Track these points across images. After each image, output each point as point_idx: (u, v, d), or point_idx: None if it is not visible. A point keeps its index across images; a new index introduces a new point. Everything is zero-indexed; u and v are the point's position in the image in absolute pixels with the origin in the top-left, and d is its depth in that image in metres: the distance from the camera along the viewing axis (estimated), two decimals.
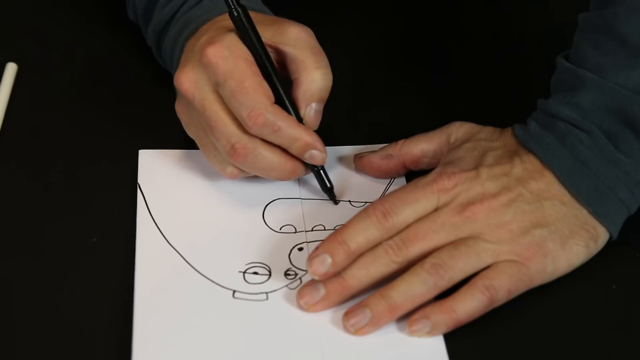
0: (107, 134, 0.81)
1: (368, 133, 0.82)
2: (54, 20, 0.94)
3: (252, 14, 0.73)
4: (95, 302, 0.69)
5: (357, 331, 0.66)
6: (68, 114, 0.84)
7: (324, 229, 0.73)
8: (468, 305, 0.66)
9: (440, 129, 0.76)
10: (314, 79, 0.72)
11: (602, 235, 0.70)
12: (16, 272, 0.71)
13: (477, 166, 0.70)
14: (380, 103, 0.86)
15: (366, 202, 0.75)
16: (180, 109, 0.74)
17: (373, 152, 0.77)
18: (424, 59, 0.90)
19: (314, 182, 0.76)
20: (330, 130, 0.82)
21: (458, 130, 0.75)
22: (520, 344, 0.67)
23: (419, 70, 0.89)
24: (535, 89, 0.76)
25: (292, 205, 0.75)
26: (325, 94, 0.73)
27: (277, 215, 0.74)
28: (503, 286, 0.66)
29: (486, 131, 0.74)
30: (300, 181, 0.77)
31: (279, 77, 0.72)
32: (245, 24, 0.71)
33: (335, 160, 0.79)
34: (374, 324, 0.66)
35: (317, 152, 0.72)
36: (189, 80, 0.71)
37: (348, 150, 0.80)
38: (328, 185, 0.74)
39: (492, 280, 0.66)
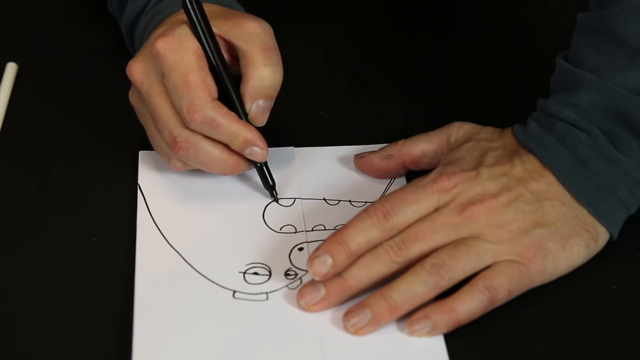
0: (107, 134, 0.81)
1: (368, 133, 0.81)
2: (53, 20, 0.94)
3: (213, 7, 0.73)
4: (95, 302, 0.69)
5: (357, 331, 0.66)
6: (68, 114, 0.84)
7: (324, 229, 0.73)
8: (468, 306, 0.66)
9: (441, 129, 0.76)
10: (261, 75, 0.71)
11: (602, 235, 0.70)
12: (16, 272, 0.71)
13: (477, 166, 0.70)
14: (379, 103, 0.86)
15: (366, 202, 0.75)
16: (132, 97, 0.75)
17: (373, 152, 0.77)
18: (424, 59, 0.90)
19: (314, 182, 0.76)
20: (330, 130, 0.82)
21: (458, 130, 0.75)
22: (520, 344, 0.67)
23: (419, 70, 0.89)
24: (535, 89, 0.76)
25: (292, 205, 0.75)
26: (273, 92, 0.72)
27: (277, 215, 0.74)
28: (503, 286, 0.66)
29: (486, 131, 0.74)
30: (300, 181, 0.77)
31: (228, 71, 0.72)
32: (197, 15, 0.71)
33: (335, 160, 0.79)
34: (374, 324, 0.66)
35: (258, 149, 0.71)
36: (138, 70, 0.72)
37: (348, 150, 0.80)
38: (270, 182, 0.74)
39: (493, 280, 0.66)
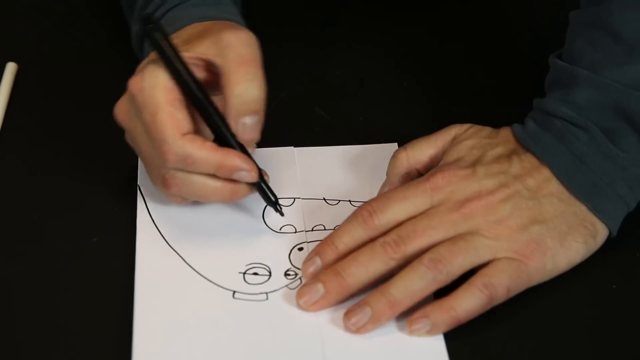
0: (107, 134, 0.80)
1: (368, 133, 0.82)
2: (54, 20, 0.94)
3: (197, 26, 0.71)
4: (95, 302, 0.69)
5: (358, 330, 0.66)
6: (68, 113, 0.84)
7: (324, 229, 0.73)
8: (467, 304, 0.66)
9: (442, 132, 0.75)
10: (238, 92, 0.68)
11: (601, 232, 0.70)
12: (16, 272, 0.71)
13: (474, 164, 0.70)
14: (380, 103, 0.86)
15: None
16: (126, 138, 0.73)
17: (389, 181, 0.75)
18: (423, 59, 0.90)
19: (314, 182, 0.76)
20: (330, 130, 0.82)
21: (460, 129, 0.74)
22: (520, 344, 0.67)
23: (419, 69, 0.89)
24: (535, 89, 0.76)
25: (292, 205, 0.75)
26: (256, 107, 0.68)
27: (277, 215, 0.74)
28: (502, 284, 0.66)
29: (486, 130, 0.74)
30: (300, 181, 0.77)
31: (206, 96, 0.68)
32: (161, 45, 0.68)
33: (335, 160, 0.79)
34: (375, 322, 0.66)
35: (245, 173, 0.68)
36: (122, 112, 0.71)
37: (348, 150, 0.80)
38: (272, 198, 0.71)
39: (491, 278, 0.66)
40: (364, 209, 0.69)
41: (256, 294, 0.69)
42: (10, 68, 0.87)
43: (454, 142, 0.74)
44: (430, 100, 0.86)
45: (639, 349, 0.67)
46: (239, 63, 0.68)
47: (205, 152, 0.68)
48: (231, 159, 0.68)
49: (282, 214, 0.73)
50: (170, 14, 0.76)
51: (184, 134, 0.67)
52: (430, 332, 0.66)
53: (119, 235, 0.73)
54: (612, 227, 0.70)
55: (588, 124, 0.70)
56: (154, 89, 0.68)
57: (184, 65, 0.68)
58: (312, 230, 0.74)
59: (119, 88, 0.77)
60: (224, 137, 0.69)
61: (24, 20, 0.94)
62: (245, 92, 0.68)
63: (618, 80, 0.69)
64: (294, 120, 0.83)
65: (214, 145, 0.68)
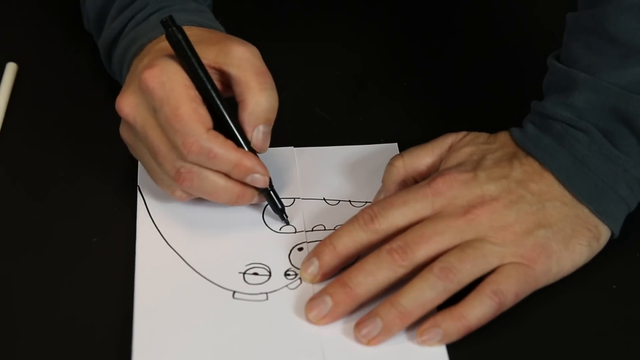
0: (107, 134, 0.81)
1: (368, 133, 0.82)
2: (54, 20, 0.94)
3: (197, 30, 0.73)
4: (95, 302, 0.69)
5: (369, 341, 0.65)
6: (68, 114, 0.84)
7: (324, 229, 0.73)
8: (478, 311, 0.65)
9: (438, 140, 0.74)
10: (258, 101, 0.70)
11: (604, 234, 0.70)
12: (16, 272, 0.71)
13: (474, 169, 0.70)
14: (379, 103, 0.86)
15: (366, 202, 0.75)
16: (124, 133, 0.74)
17: (385, 188, 0.75)
18: (423, 59, 0.90)
19: (314, 182, 0.76)
20: (330, 130, 0.82)
21: (456, 137, 0.74)
22: (520, 345, 0.67)
23: (419, 70, 0.89)
24: (537, 89, 0.76)
25: (292, 205, 0.75)
26: (272, 115, 0.71)
27: (277, 215, 0.74)
28: (511, 290, 0.66)
29: (483, 136, 0.74)
30: (300, 181, 0.77)
31: (222, 99, 0.70)
32: (184, 46, 0.69)
33: (335, 160, 0.79)
34: (386, 333, 0.65)
35: (259, 176, 0.70)
36: (129, 105, 0.71)
37: (348, 150, 0.80)
38: (279, 206, 0.73)
39: (500, 285, 0.66)
40: (365, 213, 0.69)
41: (256, 294, 0.69)
42: (10, 68, 0.87)
43: (451, 149, 0.73)
44: (430, 100, 0.86)
45: (639, 349, 0.67)
46: (256, 73, 0.70)
47: (227, 149, 0.69)
48: (249, 159, 0.70)
49: (287, 223, 0.74)
50: (154, 17, 0.76)
51: (208, 129, 0.69)
52: (442, 341, 0.65)
53: (119, 235, 0.73)
54: (614, 229, 0.70)
55: (588, 127, 0.70)
56: (174, 83, 0.69)
57: (203, 68, 0.70)
58: (312, 230, 0.74)
59: (120, 88, 0.77)
60: (237, 142, 0.70)
61: (24, 20, 0.94)
62: (264, 100, 0.70)
63: (615, 83, 0.69)
64: (294, 120, 0.83)
65: (234, 145, 0.70)
